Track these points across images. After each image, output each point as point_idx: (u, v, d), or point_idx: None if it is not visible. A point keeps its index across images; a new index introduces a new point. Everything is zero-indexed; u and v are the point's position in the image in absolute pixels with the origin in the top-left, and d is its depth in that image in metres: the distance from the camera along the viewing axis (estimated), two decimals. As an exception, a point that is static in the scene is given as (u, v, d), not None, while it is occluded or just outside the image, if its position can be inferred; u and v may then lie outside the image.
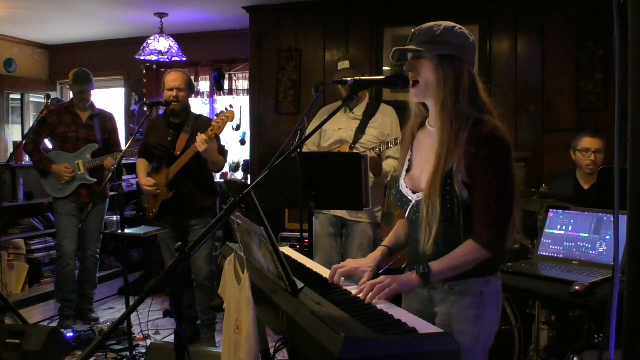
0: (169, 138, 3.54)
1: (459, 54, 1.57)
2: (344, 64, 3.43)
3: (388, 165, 3.24)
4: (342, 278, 1.71)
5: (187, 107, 3.64)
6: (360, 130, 3.34)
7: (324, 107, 3.66)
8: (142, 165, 3.66)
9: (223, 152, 3.62)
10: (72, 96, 4.31)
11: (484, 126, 1.54)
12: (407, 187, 1.69)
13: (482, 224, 1.53)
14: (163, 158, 3.55)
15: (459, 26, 1.61)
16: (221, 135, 3.49)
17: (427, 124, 1.71)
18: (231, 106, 3.35)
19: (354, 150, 3.29)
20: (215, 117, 3.37)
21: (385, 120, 3.38)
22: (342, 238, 3.42)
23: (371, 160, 2.97)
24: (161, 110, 4.63)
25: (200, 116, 3.73)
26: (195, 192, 3.54)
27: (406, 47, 1.62)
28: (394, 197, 1.77)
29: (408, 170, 1.73)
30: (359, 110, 3.39)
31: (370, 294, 1.48)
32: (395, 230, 1.87)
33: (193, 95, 3.88)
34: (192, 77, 5.51)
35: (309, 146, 3.44)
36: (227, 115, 3.30)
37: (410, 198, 1.67)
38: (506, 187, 1.53)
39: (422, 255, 1.62)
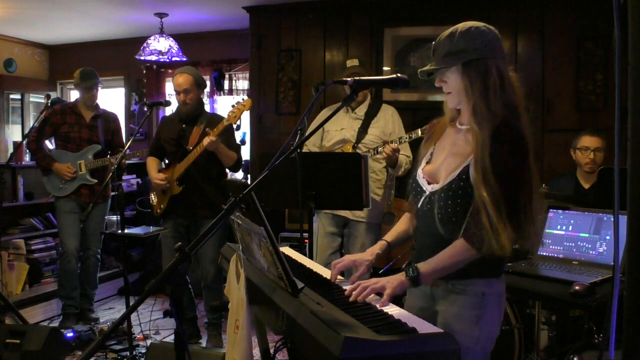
0: (182, 133, 3.54)
1: (481, 54, 1.55)
2: (353, 62, 3.45)
3: (401, 158, 3.28)
4: (341, 277, 1.71)
5: (200, 104, 3.60)
6: (363, 130, 3.37)
7: (324, 107, 3.66)
8: (152, 162, 3.66)
9: (234, 146, 3.57)
10: (72, 96, 4.31)
11: (506, 129, 1.53)
12: (423, 178, 1.69)
13: (475, 222, 1.50)
14: (175, 154, 3.54)
15: (476, 24, 1.59)
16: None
17: (457, 122, 1.69)
18: (247, 96, 3.35)
19: (357, 150, 3.31)
20: (232, 107, 3.33)
21: (387, 120, 3.41)
22: (343, 238, 3.43)
23: (393, 151, 3.09)
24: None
25: (214, 114, 3.74)
26: (204, 187, 3.51)
27: (427, 68, 1.63)
28: (409, 187, 1.75)
29: (428, 162, 1.73)
30: (361, 110, 3.42)
31: (363, 294, 1.47)
32: (397, 225, 1.86)
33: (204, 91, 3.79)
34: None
35: (309, 147, 3.44)
36: (244, 104, 3.29)
37: (424, 189, 1.66)
38: (508, 191, 1.48)
39: (431, 247, 1.60)
